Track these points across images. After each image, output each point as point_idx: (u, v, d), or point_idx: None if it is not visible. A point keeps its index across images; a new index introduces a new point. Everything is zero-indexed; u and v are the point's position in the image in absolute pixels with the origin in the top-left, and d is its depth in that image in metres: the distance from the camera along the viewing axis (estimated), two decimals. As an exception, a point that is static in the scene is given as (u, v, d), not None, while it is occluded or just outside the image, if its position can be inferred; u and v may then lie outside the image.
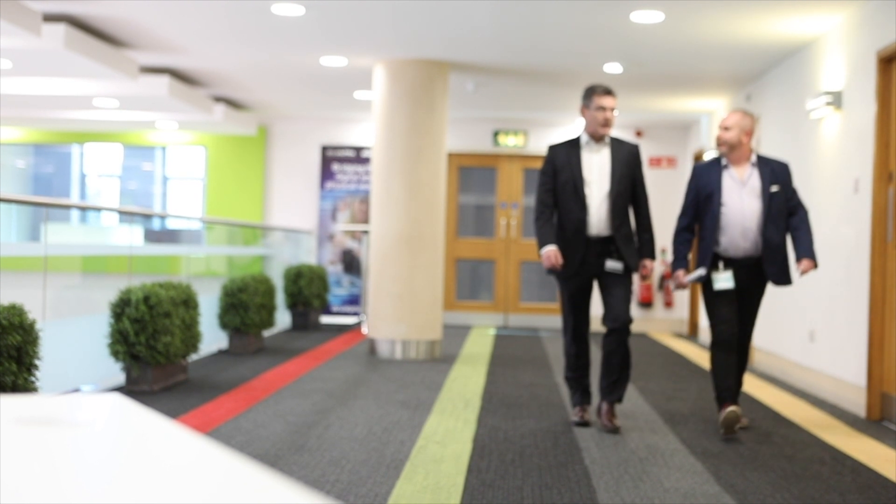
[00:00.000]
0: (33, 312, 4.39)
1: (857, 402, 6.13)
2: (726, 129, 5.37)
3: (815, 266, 5.21)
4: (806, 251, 5.21)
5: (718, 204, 5.28)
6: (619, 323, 5.25)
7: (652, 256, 5.40)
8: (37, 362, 4.33)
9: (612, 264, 5.30)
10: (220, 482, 1.03)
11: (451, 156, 12.21)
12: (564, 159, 5.35)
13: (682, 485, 4.15)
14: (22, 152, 15.18)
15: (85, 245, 11.71)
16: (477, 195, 12.64)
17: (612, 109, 5.35)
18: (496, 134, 12.39)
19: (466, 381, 7.08)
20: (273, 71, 9.42)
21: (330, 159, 12.39)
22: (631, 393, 6.62)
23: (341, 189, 12.37)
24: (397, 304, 8.40)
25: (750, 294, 5.38)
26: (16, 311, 4.22)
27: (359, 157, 12.35)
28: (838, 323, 6.56)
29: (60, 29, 7.15)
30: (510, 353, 9.25)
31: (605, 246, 5.30)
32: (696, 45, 7.64)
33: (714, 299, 5.31)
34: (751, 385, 7.35)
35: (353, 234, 12.32)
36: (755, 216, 5.27)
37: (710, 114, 11.09)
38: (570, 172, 5.31)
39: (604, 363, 5.36)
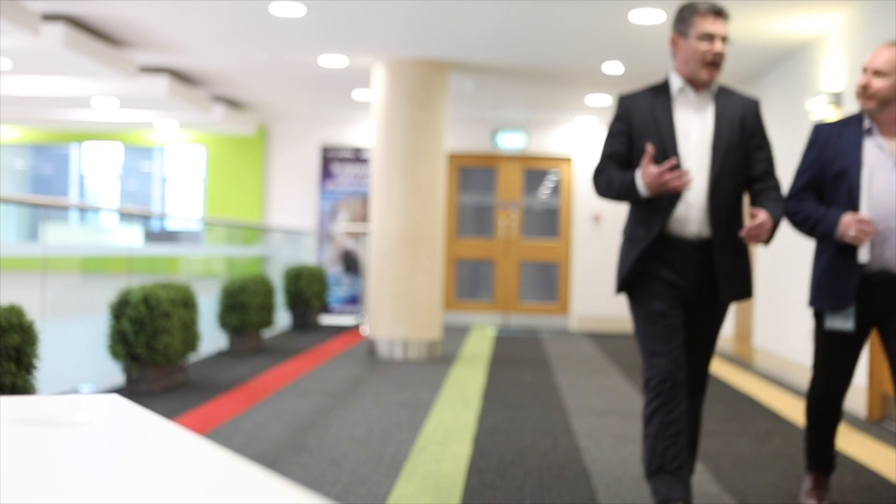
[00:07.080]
0: (32, 313, 4.39)
1: (858, 403, 6.12)
2: (878, 72, 3.46)
3: None
4: None
5: (857, 187, 3.49)
6: (693, 386, 3.63)
7: (772, 212, 3.39)
8: (36, 363, 4.33)
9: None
10: (220, 482, 1.02)
11: (451, 156, 12.21)
12: (647, 116, 3.48)
13: (683, 485, 4.14)
14: (20, 152, 15.17)
15: (84, 245, 11.70)
16: (477, 195, 12.64)
17: (725, 39, 3.44)
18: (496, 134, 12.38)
19: (466, 381, 7.08)
20: (273, 71, 9.41)
21: (329, 160, 12.38)
22: (631, 393, 6.60)
23: (341, 189, 12.36)
24: (397, 304, 8.40)
25: None
26: (15, 312, 4.21)
27: (358, 157, 12.34)
28: (838, 323, 6.54)
29: (59, 28, 7.15)
30: (510, 353, 9.24)
31: (706, 255, 3.47)
32: (696, 44, 7.63)
33: (826, 339, 3.65)
34: (751, 385, 7.35)
35: (353, 235, 12.32)
36: None
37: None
38: (656, 136, 3.44)
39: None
